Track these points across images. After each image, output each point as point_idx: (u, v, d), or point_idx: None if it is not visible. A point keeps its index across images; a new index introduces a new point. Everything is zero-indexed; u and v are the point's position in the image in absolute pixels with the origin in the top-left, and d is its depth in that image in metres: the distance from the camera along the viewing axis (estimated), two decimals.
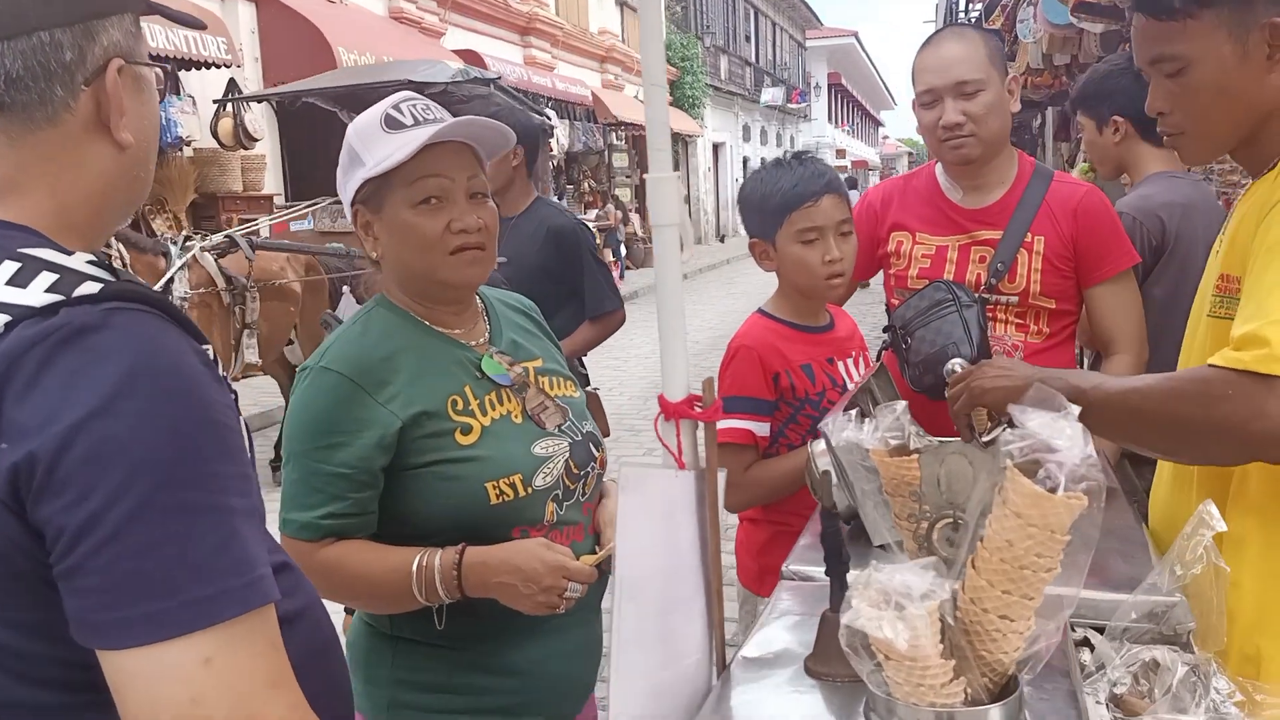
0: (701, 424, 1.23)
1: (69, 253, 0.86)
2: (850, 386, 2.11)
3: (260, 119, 10.10)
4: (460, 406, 1.47)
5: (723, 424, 1.70)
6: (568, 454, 1.53)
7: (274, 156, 10.82)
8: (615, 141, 20.32)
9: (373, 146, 1.44)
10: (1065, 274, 2.24)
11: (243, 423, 0.91)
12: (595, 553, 1.51)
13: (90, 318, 0.80)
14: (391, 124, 1.44)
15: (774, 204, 2.03)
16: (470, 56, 13.83)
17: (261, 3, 10.60)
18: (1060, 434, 0.92)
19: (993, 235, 2.26)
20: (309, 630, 1.07)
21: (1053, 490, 0.92)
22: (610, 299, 3.41)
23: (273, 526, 1.49)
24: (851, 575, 1.08)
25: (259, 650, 0.81)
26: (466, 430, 1.46)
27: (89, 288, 0.82)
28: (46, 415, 0.76)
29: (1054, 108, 11.07)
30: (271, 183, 10.69)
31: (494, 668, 1.50)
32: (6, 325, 0.78)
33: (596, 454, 1.60)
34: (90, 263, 0.86)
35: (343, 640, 1.29)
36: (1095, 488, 0.94)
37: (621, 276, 17.74)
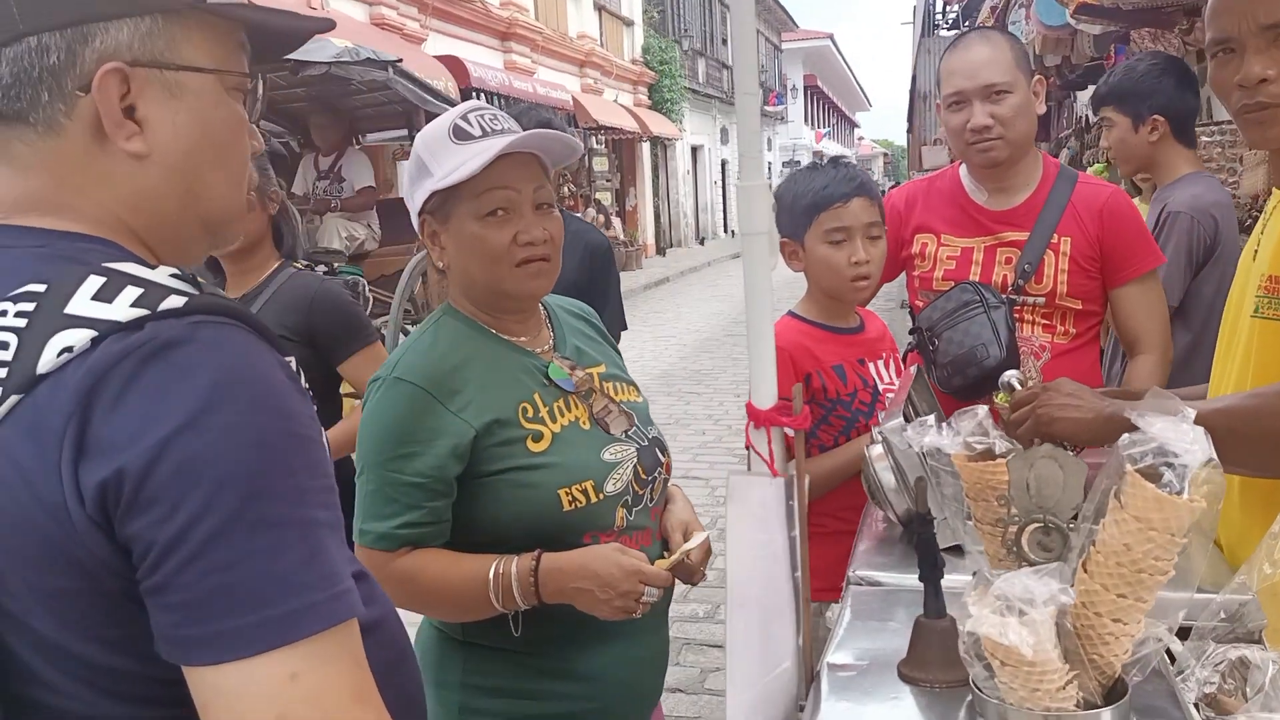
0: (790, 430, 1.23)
1: (153, 266, 0.85)
2: (882, 388, 2.12)
3: None
4: (531, 414, 1.48)
5: None
6: (636, 459, 1.54)
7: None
8: (595, 146, 20.30)
9: (441, 157, 1.44)
10: (1091, 274, 2.26)
11: (323, 433, 0.90)
12: (664, 557, 1.51)
13: (176, 331, 0.79)
14: (460, 135, 1.45)
15: (804, 204, 2.04)
16: (451, 62, 13.77)
17: None
18: (1182, 438, 0.93)
19: (1019, 237, 2.28)
20: (386, 641, 1.07)
21: (1175, 494, 0.93)
22: (622, 320, 3.39)
23: None
24: (955, 580, 1.08)
25: (344, 665, 0.80)
26: (538, 437, 1.46)
27: (174, 301, 0.81)
28: (134, 431, 0.75)
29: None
30: None
31: (565, 673, 1.50)
32: (94, 340, 0.77)
33: (663, 459, 1.62)
34: (174, 276, 0.85)
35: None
36: (1215, 490, 0.95)
37: None
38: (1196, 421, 1.33)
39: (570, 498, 1.45)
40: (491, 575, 1.41)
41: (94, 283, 0.81)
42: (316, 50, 6.61)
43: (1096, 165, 3.21)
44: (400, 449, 1.41)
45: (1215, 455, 0.94)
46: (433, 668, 1.56)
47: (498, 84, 15.07)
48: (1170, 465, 0.94)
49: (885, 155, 75.03)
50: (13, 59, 0.84)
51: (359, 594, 0.85)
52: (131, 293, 0.80)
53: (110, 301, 0.79)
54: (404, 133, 8.55)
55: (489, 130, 1.45)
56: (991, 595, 0.96)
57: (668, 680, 3.61)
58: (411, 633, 1.64)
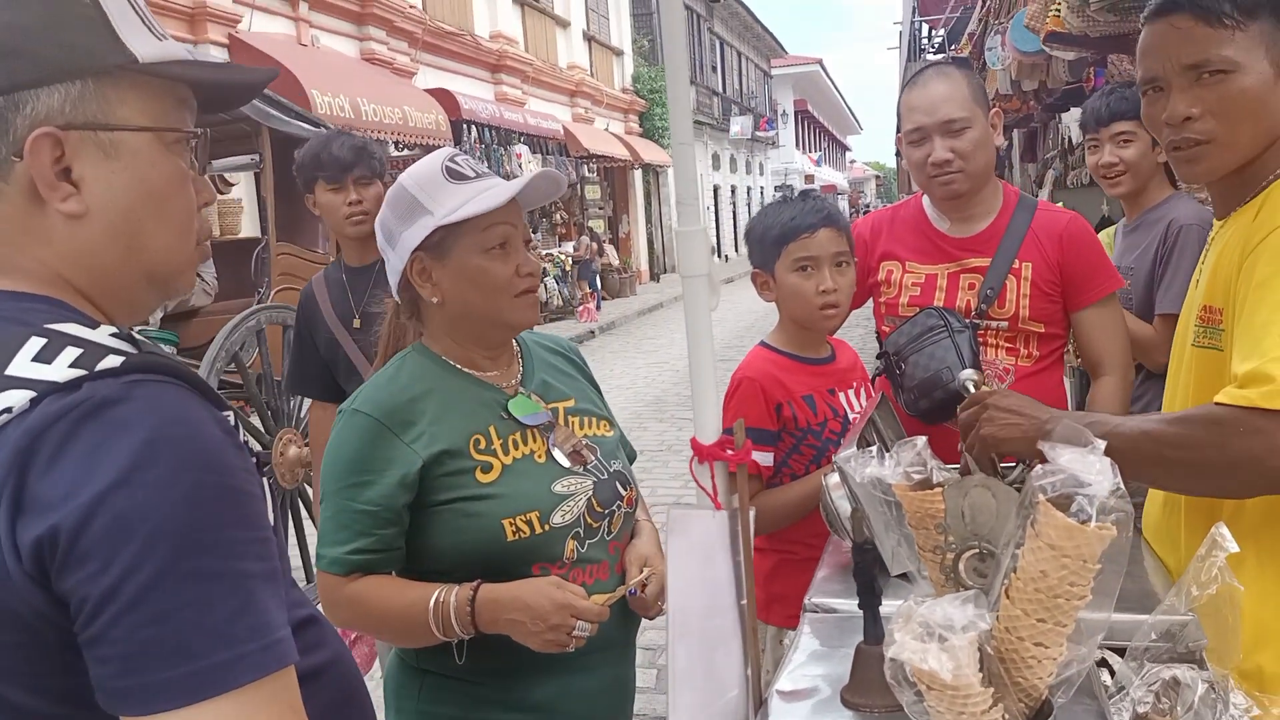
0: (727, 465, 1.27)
1: (94, 325, 0.88)
2: (852, 417, 2.16)
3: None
4: (483, 445, 1.53)
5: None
6: (591, 492, 1.58)
7: (250, 200, 10.82)
8: (587, 174, 20.46)
9: (440, 197, 1.51)
10: (1053, 298, 2.31)
11: (264, 486, 0.93)
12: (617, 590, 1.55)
13: (112, 391, 0.81)
14: (454, 175, 1.53)
15: (773, 236, 2.11)
16: (442, 95, 13.92)
17: (233, 47, 10.64)
18: (1090, 468, 0.97)
19: (981, 263, 2.33)
20: (335, 683, 1.09)
21: (1085, 523, 0.97)
22: (338, 386, 2.82)
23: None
24: (890, 608, 1.12)
25: (277, 714, 0.82)
26: (487, 469, 1.51)
27: (111, 361, 0.84)
28: (68, 489, 0.77)
29: (1020, 130, 11.31)
30: (249, 226, 10.68)
31: (514, 704, 1.54)
32: (32, 401, 0.80)
33: (624, 492, 1.64)
34: (114, 335, 0.88)
35: None
36: (1124, 518, 0.99)
37: (598, 307, 17.80)
38: (1120, 444, 1.38)
39: (514, 528, 1.49)
40: (432, 604, 1.46)
41: (35, 344, 0.84)
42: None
43: (1109, 229, 3.22)
44: (354, 478, 1.47)
45: (1122, 484, 0.98)
46: (394, 694, 1.61)
47: (489, 115, 15.22)
48: (1080, 494, 0.98)
49: (878, 177, 75.36)
50: None
51: (302, 640, 0.88)
52: (70, 353, 0.83)
53: (50, 362, 0.82)
54: (253, 158, 6.68)
55: (479, 172, 1.55)
56: (914, 622, 1.00)
57: (657, 709, 3.63)
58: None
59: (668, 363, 12.54)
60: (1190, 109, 1.46)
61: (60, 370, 0.82)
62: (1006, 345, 2.34)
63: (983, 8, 9.11)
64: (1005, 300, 2.30)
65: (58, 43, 0.88)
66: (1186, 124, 1.47)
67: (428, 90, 13.82)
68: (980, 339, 2.30)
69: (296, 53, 11.42)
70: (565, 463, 1.58)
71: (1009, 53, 6.47)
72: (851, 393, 2.21)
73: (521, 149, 16.34)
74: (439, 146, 13.14)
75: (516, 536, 1.49)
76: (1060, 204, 3.99)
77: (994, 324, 2.31)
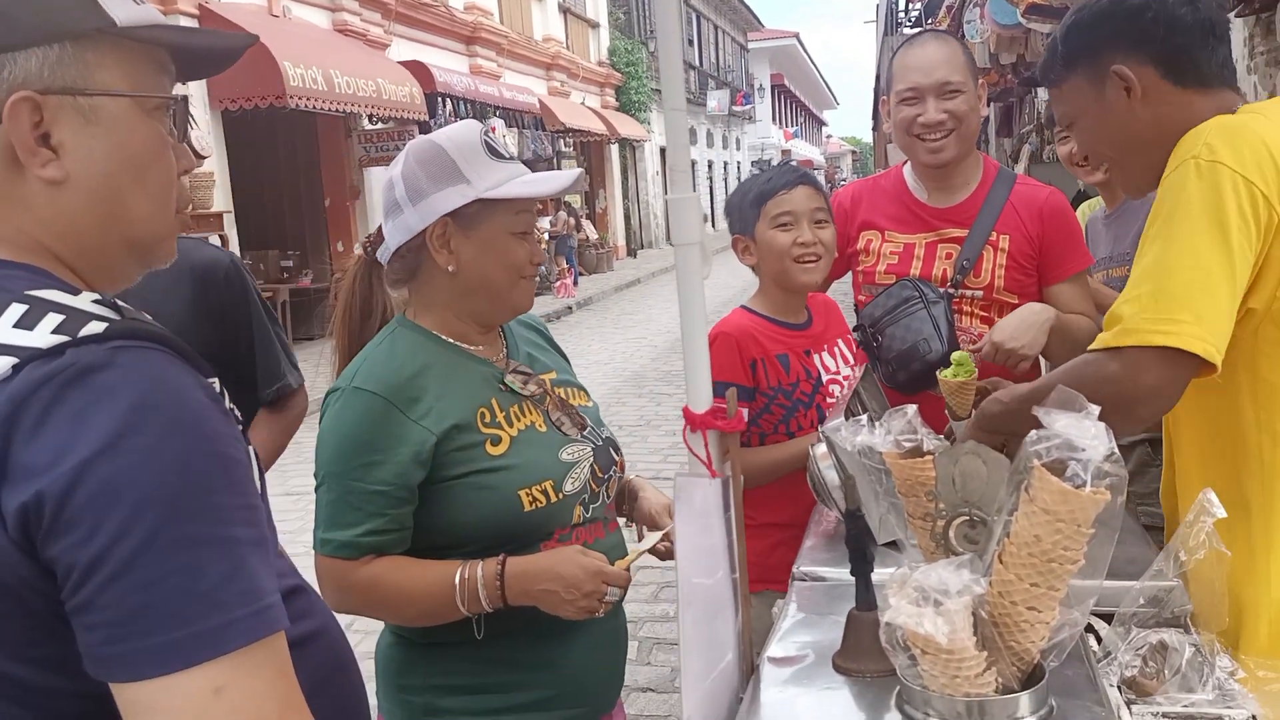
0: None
1: (75, 292, 0.87)
2: (825, 378, 2.18)
3: (207, 135, 9.97)
4: (489, 418, 1.52)
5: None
6: (592, 459, 1.60)
7: (221, 173, 10.69)
8: (564, 148, 20.32)
9: (480, 169, 1.51)
10: (1028, 271, 2.32)
11: (250, 452, 0.93)
12: (629, 550, 1.56)
13: (96, 357, 0.80)
14: (491, 151, 1.53)
15: (751, 197, 2.14)
16: (416, 67, 13.76)
17: (203, 18, 10.45)
18: (1084, 434, 0.97)
19: (959, 233, 2.34)
20: (322, 652, 1.09)
21: (1079, 487, 0.97)
22: (291, 370, 2.30)
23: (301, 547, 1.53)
24: (884, 574, 1.13)
25: (269, 678, 0.82)
26: (496, 441, 1.51)
27: (94, 327, 0.83)
28: (54, 455, 0.77)
29: (996, 104, 11.33)
30: (220, 199, 10.56)
31: (524, 663, 1.54)
32: (14, 368, 0.79)
33: (616, 458, 1.67)
34: (96, 302, 0.87)
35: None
36: (1118, 483, 0.99)
37: (575, 283, 17.75)
38: (1018, 403, 1.47)
39: (531, 498, 1.49)
40: (457, 580, 1.44)
41: (16, 310, 0.82)
42: None
43: (1089, 201, 3.21)
44: (362, 458, 1.44)
45: (1117, 450, 0.99)
46: (395, 673, 1.59)
47: (464, 89, 15.06)
48: (1075, 459, 0.98)
49: (854, 152, 75.46)
50: None
51: (291, 609, 0.87)
52: (53, 320, 0.82)
53: (31, 329, 0.81)
54: None
55: (509, 153, 1.56)
56: (909, 587, 1.01)
57: (639, 680, 3.67)
58: (371, 641, 1.67)
59: (645, 338, 12.54)
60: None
61: (43, 336, 0.81)
62: (981, 314, 2.35)
63: None
64: (981, 270, 2.31)
65: (34, 6, 0.87)
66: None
67: (402, 63, 13.66)
68: (955, 308, 2.31)
69: (268, 23, 11.24)
70: (568, 430, 1.59)
71: (988, 25, 6.47)
72: (826, 353, 2.22)
73: (497, 123, 16.19)
74: (414, 120, 13.00)
75: (533, 506, 1.49)
76: (1036, 179, 4.00)
77: (969, 294, 2.32)
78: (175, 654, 0.77)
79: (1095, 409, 1.01)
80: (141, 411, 0.79)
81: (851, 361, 2.27)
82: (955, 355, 1.91)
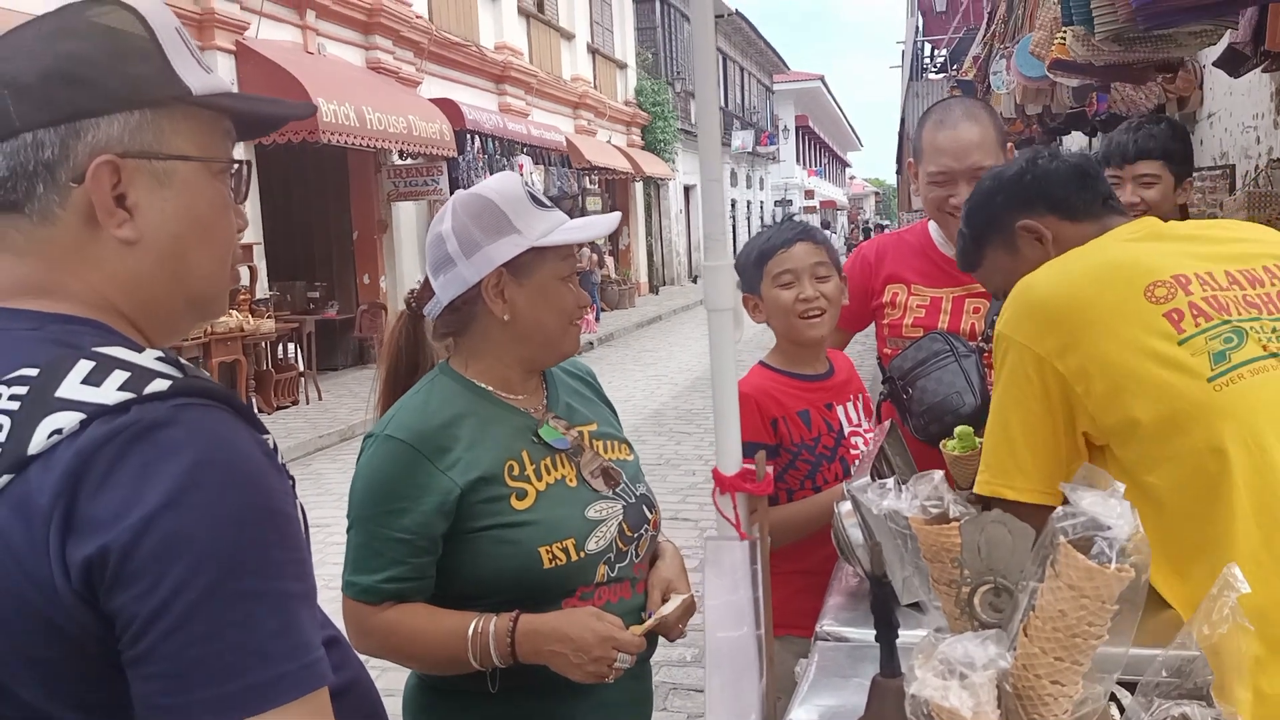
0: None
1: (139, 349, 0.90)
2: (847, 430, 2.19)
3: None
4: (517, 472, 1.53)
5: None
6: (621, 516, 1.59)
7: (253, 205, 10.85)
8: (589, 186, 20.51)
9: (529, 219, 1.55)
10: None
11: (299, 507, 0.96)
12: (642, 616, 1.56)
13: (159, 414, 0.83)
14: (536, 201, 1.57)
15: (754, 257, 2.18)
16: (446, 105, 13.96)
17: (240, 54, 10.68)
18: (1110, 512, 0.99)
19: None
20: (356, 702, 1.11)
21: (1105, 565, 0.99)
22: None
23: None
24: (908, 636, 1.14)
25: None
26: (522, 495, 1.52)
27: (158, 385, 0.86)
28: (118, 509, 0.79)
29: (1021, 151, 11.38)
30: (251, 231, 10.71)
31: (541, 718, 1.54)
32: (82, 423, 0.82)
33: (650, 516, 1.66)
34: (159, 359, 0.90)
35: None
36: (1143, 561, 1.01)
37: (597, 319, 17.83)
38: None
39: (551, 555, 1.50)
40: (470, 634, 1.45)
41: (84, 367, 0.85)
42: None
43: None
44: (388, 505, 1.46)
45: (1142, 529, 1.00)
46: (417, 713, 1.61)
47: (492, 126, 15.26)
48: (1101, 537, 1.00)
49: (877, 194, 75.59)
50: (9, 154, 0.89)
51: (330, 658, 0.90)
52: (119, 377, 0.85)
53: (99, 385, 0.84)
54: None
55: (548, 203, 1.60)
56: (935, 659, 1.02)
57: None
58: (389, 678, 1.70)
59: (666, 376, 12.56)
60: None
61: (109, 393, 0.84)
62: None
63: (987, 31, 9.18)
64: None
65: (119, 74, 0.92)
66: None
67: (432, 100, 13.86)
68: (985, 363, 2.32)
69: (304, 60, 11.46)
70: (599, 486, 1.59)
71: (1014, 77, 6.52)
72: (849, 405, 2.24)
73: (524, 160, 16.38)
74: (443, 156, 13.12)
75: (553, 564, 1.50)
76: None
77: None
78: (228, 706, 0.80)
79: (1121, 486, 1.03)
80: (202, 468, 0.82)
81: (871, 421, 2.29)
82: (959, 429, 1.93)
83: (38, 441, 0.81)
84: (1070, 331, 1.44)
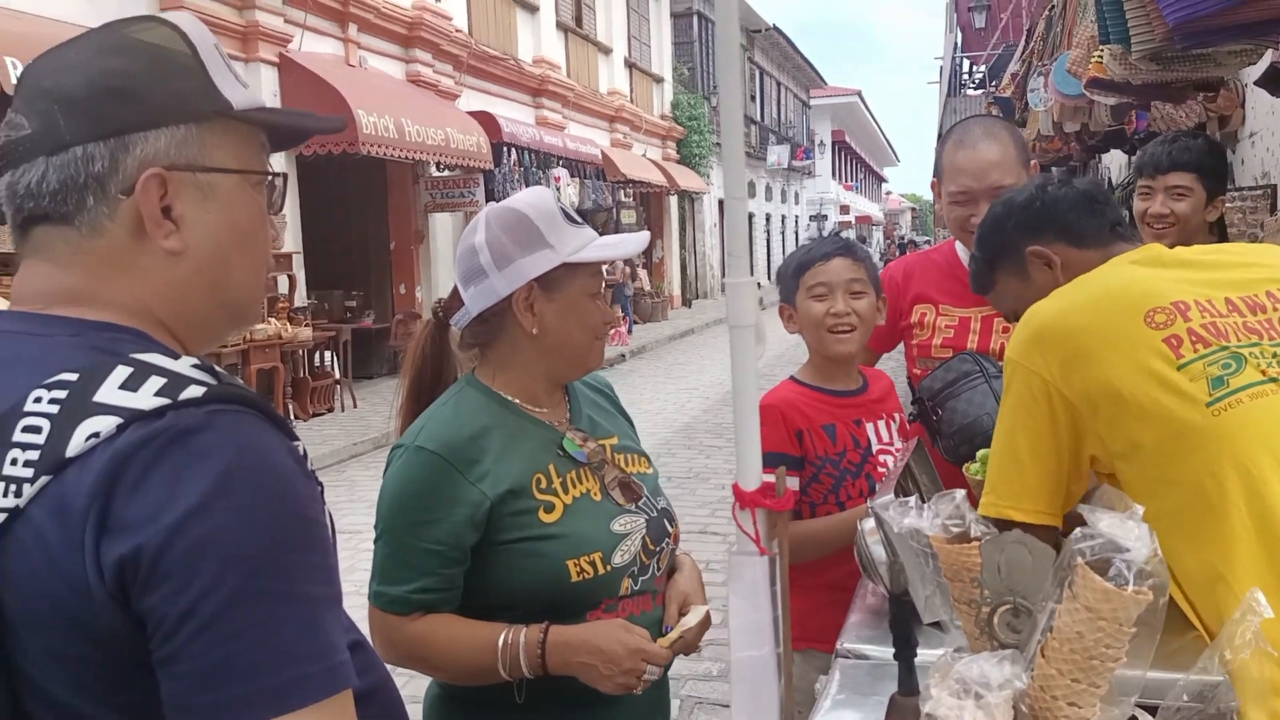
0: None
1: (175, 356, 0.93)
2: (876, 448, 2.19)
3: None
4: (544, 484, 1.55)
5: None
6: (644, 530, 1.61)
7: (293, 215, 11.00)
8: (624, 199, 20.58)
9: (562, 235, 1.57)
10: None
11: (327, 513, 0.97)
12: (664, 629, 1.57)
13: (194, 420, 0.86)
14: (568, 217, 1.60)
15: (793, 268, 2.21)
16: (484, 117, 14.09)
17: (283, 66, 10.86)
18: (1128, 534, 0.99)
19: None
20: (380, 707, 1.13)
21: (1122, 587, 0.99)
22: None
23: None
24: (927, 656, 1.15)
25: None
26: (550, 508, 1.53)
27: (193, 391, 0.88)
28: (152, 512, 0.82)
29: (1059, 170, 11.29)
30: (290, 240, 10.85)
31: None
32: (119, 427, 0.85)
33: (670, 529, 1.68)
34: (195, 366, 0.93)
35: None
36: (1160, 584, 1.01)
37: (630, 331, 17.87)
38: None
39: (579, 569, 1.51)
40: (500, 645, 1.47)
41: (121, 372, 0.88)
42: None
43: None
44: (419, 516, 1.48)
45: (1159, 551, 1.00)
46: None
47: (529, 139, 15.38)
48: (1118, 559, 1.00)
49: (913, 209, 75.16)
50: (59, 167, 0.93)
51: (355, 663, 0.91)
52: (155, 383, 0.88)
53: (136, 390, 0.87)
54: None
55: (577, 219, 1.63)
56: (951, 678, 1.02)
57: None
58: (414, 685, 1.71)
59: (698, 389, 12.54)
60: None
61: (146, 398, 0.87)
62: None
63: (1025, 48, 9.13)
64: None
65: (165, 89, 0.96)
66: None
67: (470, 112, 14.00)
68: None
69: (344, 73, 11.62)
70: (622, 500, 1.60)
71: (1052, 95, 6.48)
72: (881, 424, 2.23)
73: (560, 172, 16.48)
74: (479, 168, 13.23)
75: (580, 578, 1.51)
76: None
77: None
78: (253, 706, 0.82)
79: (1140, 509, 1.03)
80: (233, 473, 0.85)
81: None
82: (980, 452, 1.93)
83: (76, 444, 0.84)
84: (1074, 357, 1.46)
